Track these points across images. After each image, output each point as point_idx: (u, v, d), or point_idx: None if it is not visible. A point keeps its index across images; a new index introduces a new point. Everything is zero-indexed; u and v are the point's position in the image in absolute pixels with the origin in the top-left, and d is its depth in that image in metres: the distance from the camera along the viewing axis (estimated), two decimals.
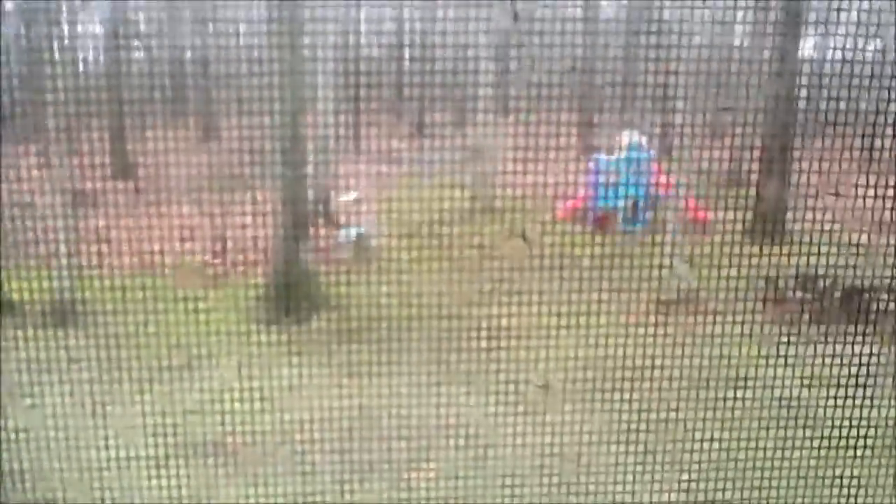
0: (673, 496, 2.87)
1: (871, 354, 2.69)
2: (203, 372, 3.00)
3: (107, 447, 2.76)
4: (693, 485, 2.77)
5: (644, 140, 7.07)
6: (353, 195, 7.23)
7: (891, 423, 2.76)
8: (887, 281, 3.00)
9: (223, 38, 2.70)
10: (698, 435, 2.79)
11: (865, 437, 2.68)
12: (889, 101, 2.70)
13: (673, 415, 2.82)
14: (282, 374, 2.88)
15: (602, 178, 7.19)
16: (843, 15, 2.58)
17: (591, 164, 7.37)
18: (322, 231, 7.52)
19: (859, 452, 2.68)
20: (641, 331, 2.89)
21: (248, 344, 3.00)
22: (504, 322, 2.91)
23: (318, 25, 2.52)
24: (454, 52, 2.68)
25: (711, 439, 2.77)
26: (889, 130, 2.63)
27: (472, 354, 2.88)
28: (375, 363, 2.88)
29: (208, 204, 3.41)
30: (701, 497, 2.79)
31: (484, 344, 2.89)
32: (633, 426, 2.81)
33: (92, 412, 2.77)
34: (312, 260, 6.17)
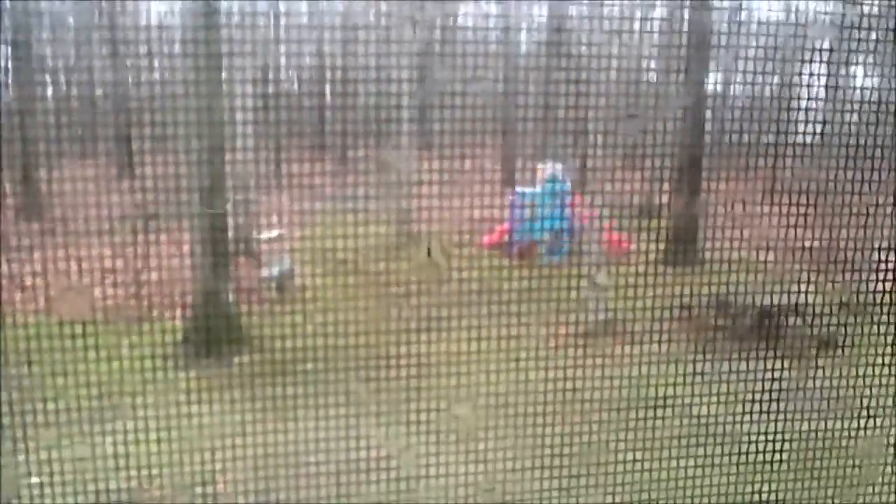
0: None
1: (781, 370, 2.80)
2: (118, 419, 2.87)
3: (18, 499, 2.61)
4: None
5: (563, 172, 7.24)
6: (275, 232, 7.13)
7: (804, 435, 2.88)
8: (794, 301, 3.15)
9: (137, 72, 2.65)
10: (621, 457, 2.84)
11: (780, 451, 2.78)
12: (792, 132, 2.86)
13: (595, 438, 2.86)
14: (202, 418, 2.78)
15: (523, 210, 7.33)
16: (749, 51, 2.73)
17: (513, 197, 7.50)
18: (244, 269, 7.38)
19: (775, 466, 2.77)
20: (563, 357, 2.93)
21: (166, 388, 2.90)
22: (429, 354, 2.91)
23: (236, 60, 2.50)
24: (375, 86, 2.70)
25: (634, 460, 2.82)
26: (791, 160, 2.78)
27: (397, 388, 2.86)
28: (299, 401, 2.83)
29: (123, 244, 3.30)
30: None
31: (408, 376, 2.88)
32: (556, 451, 2.84)
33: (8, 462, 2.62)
34: (233, 299, 6.03)
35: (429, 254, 3.39)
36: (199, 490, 2.85)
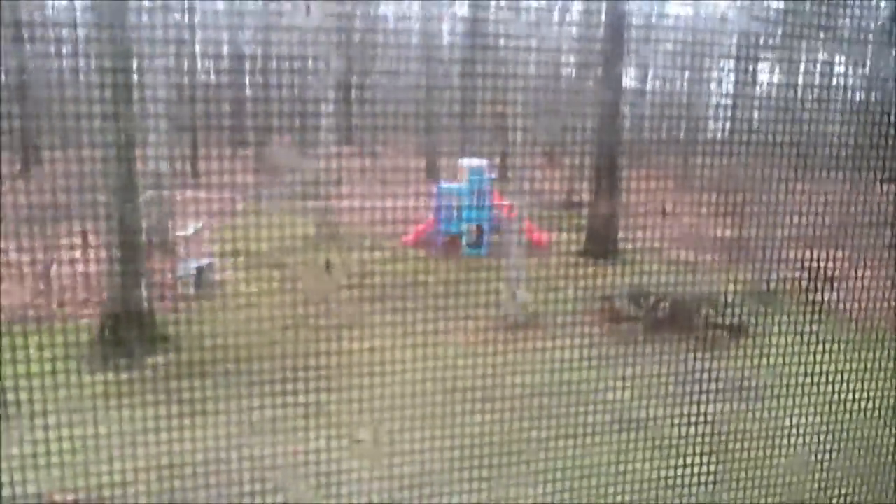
0: None
1: (695, 361, 2.90)
2: (25, 424, 2.74)
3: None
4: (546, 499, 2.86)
5: (484, 166, 7.31)
6: (192, 228, 6.94)
7: (717, 419, 2.98)
8: (709, 294, 3.27)
9: (42, 60, 2.52)
10: (545, 448, 2.89)
11: (695, 435, 2.88)
12: (702, 129, 2.96)
13: (520, 434, 2.90)
14: (115, 420, 2.69)
15: (445, 204, 7.36)
16: (663, 46, 2.81)
17: (435, 191, 7.53)
18: (159, 266, 7.16)
19: (688, 450, 2.87)
20: (484, 352, 2.96)
21: (77, 390, 2.78)
22: (350, 350, 2.89)
23: (148, 48, 2.42)
24: (294, 77, 2.65)
25: (555, 448, 2.87)
26: (707, 153, 2.87)
27: (318, 385, 2.83)
28: (217, 401, 2.76)
29: (30, 241, 3.15)
30: None
31: (328, 373, 2.85)
32: (480, 447, 2.86)
33: None
34: (147, 297, 5.84)
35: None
36: (108, 494, 2.75)
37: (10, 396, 2.64)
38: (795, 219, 2.96)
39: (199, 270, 6.88)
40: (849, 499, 2.99)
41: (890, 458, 2.97)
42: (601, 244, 6.37)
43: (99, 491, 2.66)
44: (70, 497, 2.87)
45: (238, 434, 2.67)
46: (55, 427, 2.62)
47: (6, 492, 2.61)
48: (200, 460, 2.70)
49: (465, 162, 7.51)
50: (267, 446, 2.70)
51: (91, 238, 3.39)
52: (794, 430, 2.99)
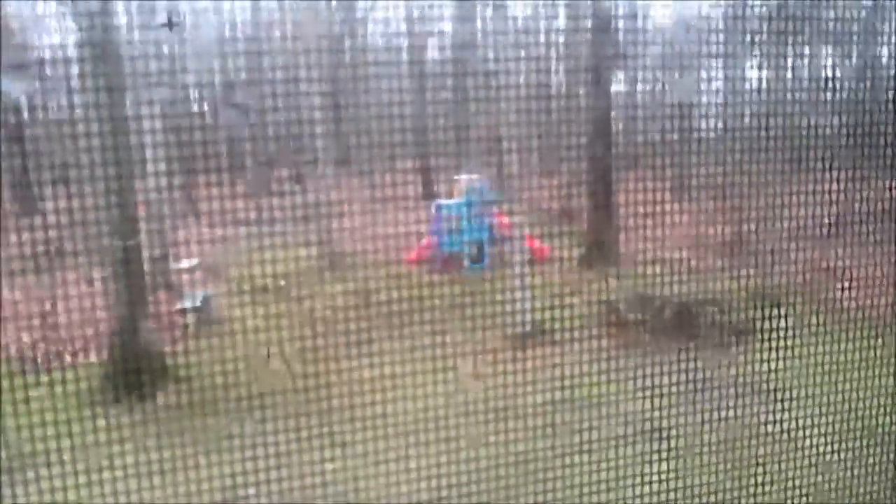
0: None
1: (702, 362, 2.89)
2: (40, 469, 2.73)
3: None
4: None
5: (482, 182, 7.32)
6: (192, 261, 6.94)
7: (731, 422, 2.97)
8: (713, 297, 3.26)
9: (38, 100, 2.54)
10: (562, 461, 2.87)
11: (710, 441, 2.87)
12: (695, 129, 2.96)
13: (537, 444, 2.88)
14: (129, 457, 2.68)
15: (445, 223, 7.36)
16: (651, 48, 2.82)
17: (434, 210, 7.53)
18: (162, 301, 7.15)
19: (706, 459, 2.85)
20: (494, 367, 2.95)
21: (89, 430, 2.77)
22: (361, 375, 2.88)
23: (140, 81, 2.43)
24: (287, 104, 2.66)
25: (570, 460, 2.86)
26: (698, 158, 2.88)
27: (331, 413, 2.82)
28: (229, 434, 2.75)
29: (34, 284, 3.15)
30: None
31: (342, 401, 2.84)
32: (499, 460, 2.85)
33: None
34: (153, 332, 5.83)
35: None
36: None
37: (25, 444, 2.63)
38: (796, 216, 2.97)
39: (203, 303, 6.87)
40: (864, 498, 2.97)
41: None
42: (601, 252, 6.37)
43: None
44: None
45: (254, 465, 2.66)
46: (71, 473, 2.60)
47: None
48: (219, 496, 2.69)
49: (462, 179, 7.52)
50: (284, 478, 2.68)
51: (94, 276, 3.40)
52: (805, 431, 2.97)
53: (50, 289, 3.20)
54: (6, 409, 2.53)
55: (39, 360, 4.92)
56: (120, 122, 2.69)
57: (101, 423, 2.71)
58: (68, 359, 5.23)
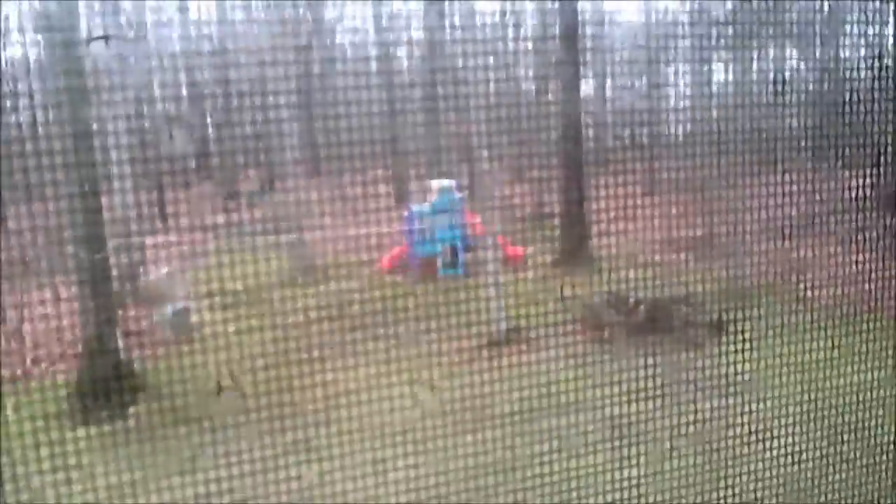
0: None
1: (679, 359, 2.92)
2: (9, 488, 2.67)
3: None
4: None
5: (453, 185, 7.33)
6: (163, 271, 6.86)
7: (708, 419, 3.00)
8: (685, 294, 3.29)
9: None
10: (537, 468, 2.88)
11: (686, 436, 2.89)
12: (664, 130, 2.99)
13: (512, 452, 2.89)
14: (103, 473, 2.63)
15: (418, 228, 7.36)
16: (618, 52, 2.85)
17: (406, 214, 7.53)
18: (133, 313, 7.06)
19: (688, 459, 2.87)
20: (471, 371, 2.95)
21: (60, 447, 2.72)
22: (337, 381, 2.86)
23: (106, 94, 2.39)
24: (255, 112, 2.65)
25: (550, 470, 2.86)
26: (671, 154, 2.91)
27: (307, 420, 2.80)
28: (205, 444, 2.72)
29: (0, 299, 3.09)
30: None
31: (318, 407, 2.82)
32: (476, 467, 2.85)
33: None
34: (123, 345, 5.75)
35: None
36: None
37: None
38: (764, 212, 3.00)
39: (175, 314, 6.80)
40: (845, 494, 3.01)
41: (880, 450, 3.00)
42: (574, 253, 6.41)
43: None
44: None
45: (227, 476, 2.63)
46: (44, 486, 2.56)
47: None
48: (212, 498, 2.65)
49: (434, 183, 7.52)
50: (258, 486, 2.66)
51: (62, 290, 3.34)
52: (781, 425, 3.01)
53: (17, 303, 3.14)
54: None
55: (10, 375, 4.82)
56: (84, 133, 2.65)
57: (71, 436, 2.66)
58: (37, 373, 5.14)
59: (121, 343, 5.79)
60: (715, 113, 3.06)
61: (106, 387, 5.13)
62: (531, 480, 2.88)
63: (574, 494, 2.85)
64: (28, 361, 5.16)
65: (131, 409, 3.96)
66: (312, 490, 2.74)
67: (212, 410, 2.90)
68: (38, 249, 3.02)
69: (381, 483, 2.80)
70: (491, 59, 2.66)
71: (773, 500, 2.97)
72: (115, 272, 6.17)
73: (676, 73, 3.09)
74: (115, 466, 2.67)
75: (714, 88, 3.08)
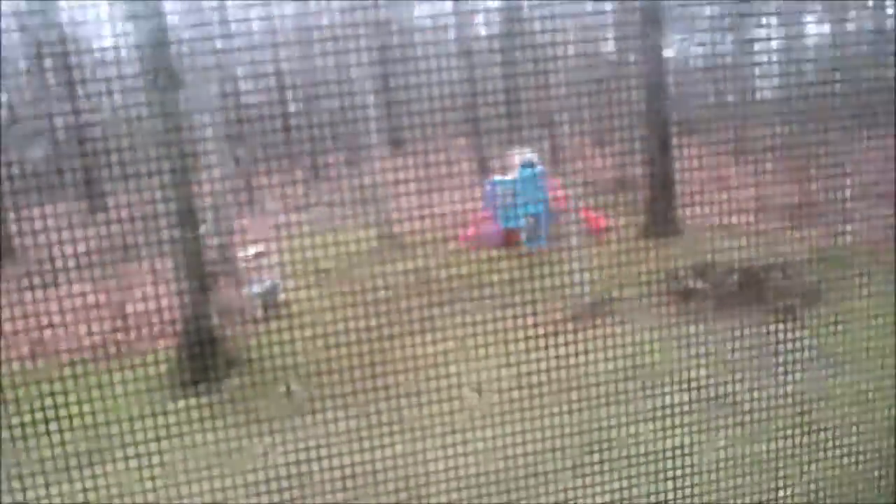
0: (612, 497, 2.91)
1: (770, 332, 2.82)
2: (117, 452, 2.84)
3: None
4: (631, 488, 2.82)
5: (535, 157, 7.26)
6: (253, 249, 7.08)
7: (799, 397, 2.89)
8: (778, 263, 3.17)
9: (95, 101, 2.60)
10: (627, 432, 2.85)
11: (784, 414, 2.80)
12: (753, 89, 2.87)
13: (604, 419, 2.86)
14: (202, 440, 2.76)
15: (500, 200, 7.33)
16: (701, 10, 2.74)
17: (488, 187, 7.51)
18: (226, 289, 7.32)
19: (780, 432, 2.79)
20: (559, 341, 2.93)
21: (162, 415, 2.87)
22: (424, 353, 2.90)
23: (195, 76, 2.47)
24: (336, 88, 2.68)
25: (638, 435, 2.83)
26: (760, 116, 2.79)
27: (397, 390, 2.85)
28: (297, 415, 2.81)
29: (103, 279, 3.26)
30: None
31: (406, 378, 2.87)
32: (566, 434, 2.84)
33: None
34: (219, 320, 5.99)
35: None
36: None
37: (105, 429, 2.74)
38: (864, 176, 2.85)
39: (266, 290, 7.01)
40: None
41: None
42: (661, 222, 6.25)
43: None
44: None
45: (320, 446, 2.71)
46: (151, 453, 2.70)
47: None
48: (285, 474, 2.75)
49: (516, 155, 7.46)
50: (350, 457, 2.73)
51: (159, 269, 3.50)
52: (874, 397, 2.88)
53: (120, 282, 3.31)
54: (85, 396, 2.63)
55: (115, 352, 5.10)
56: (178, 116, 2.75)
57: (172, 406, 2.79)
58: (140, 348, 5.41)
59: (215, 320, 6.03)
60: (808, 70, 2.90)
61: (203, 362, 5.37)
62: (613, 444, 2.86)
63: (656, 459, 2.81)
64: (132, 337, 5.43)
65: (227, 383, 4.14)
66: (397, 462, 2.79)
67: (326, 361, 2.98)
68: (139, 229, 3.16)
69: (469, 445, 2.83)
70: (570, 23, 2.60)
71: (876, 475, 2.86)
72: (207, 251, 6.41)
73: (766, 28, 2.94)
74: (213, 430, 2.79)
75: (808, 42, 2.93)
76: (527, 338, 2.87)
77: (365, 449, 2.77)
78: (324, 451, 2.73)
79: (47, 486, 2.60)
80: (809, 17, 2.87)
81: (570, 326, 3.44)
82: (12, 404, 2.53)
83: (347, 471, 2.73)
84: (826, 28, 2.99)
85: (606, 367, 2.88)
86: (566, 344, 2.90)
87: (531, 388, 2.85)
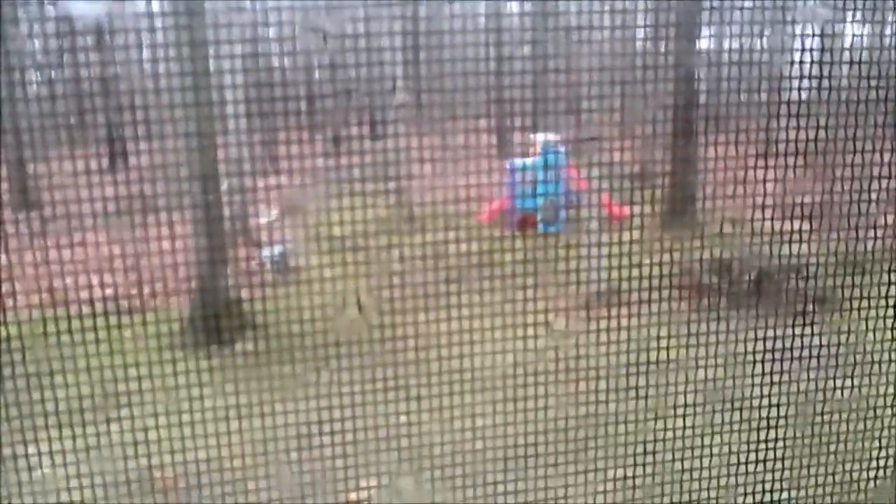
0: (610, 487, 2.92)
1: (784, 335, 2.80)
2: (125, 408, 2.88)
3: (32, 496, 2.62)
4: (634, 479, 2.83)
5: (557, 140, 7.21)
6: (271, 214, 7.11)
7: (811, 398, 2.88)
8: (795, 265, 3.13)
9: (123, 58, 2.61)
10: (631, 427, 2.85)
11: (785, 415, 2.79)
12: (785, 89, 2.82)
13: (604, 408, 2.87)
14: (210, 401, 2.79)
15: (519, 181, 7.30)
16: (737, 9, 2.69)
17: (508, 167, 7.48)
18: (242, 252, 7.38)
19: (781, 433, 2.78)
20: (568, 328, 2.93)
21: (172, 373, 2.90)
22: (433, 329, 2.91)
23: (222, 35, 2.46)
24: (364, 58, 2.66)
25: (643, 427, 2.83)
26: (786, 119, 2.75)
27: (405, 364, 2.87)
28: (306, 381, 2.83)
29: (120, 233, 3.29)
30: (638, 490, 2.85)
31: (414, 353, 2.88)
32: (568, 422, 2.85)
33: (8, 460, 2.62)
34: (234, 282, 6.03)
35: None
36: (206, 473, 2.87)
37: (112, 383, 2.79)
38: (886, 181, 2.81)
39: (281, 255, 7.06)
40: None
41: None
42: (680, 216, 6.21)
43: (204, 466, 2.78)
44: (171, 474, 3.00)
45: (328, 412, 2.74)
46: (156, 408, 2.74)
47: (108, 475, 2.76)
48: (294, 443, 2.78)
49: (538, 137, 7.42)
50: (356, 422, 2.75)
51: (177, 227, 3.52)
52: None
53: (136, 238, 3.33)
54: (93, 350, 2.66)
55: (128, 307, 5.15)
56: (203, 77, 2.75)
57: (182, 366, 2.82)
58: (153, 304, 5.47)
59: (230, 281, 6.07)
60: (843, 71, 2.85)
61: (216, 322, 5.42)
62: (619, 440, 2.87)
63: (662, 459, 2.82)
64: (145, 293, 5.48)
65: (238, 345, 4.18)
66: (411, 432, 2.82)
67: (337, 328, 3.01)
68: (157, 188, 3.18)
69: (475, 427, 2.85)
70: (605, 7, 2.57)
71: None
72: (226, 212, 6.45)
73: (802, 27, 2.89)
74: (223, 393, 2.82)
75: (841, 45, 2.87)
76: (537, 322, 2.87)
77: (366, 420, 2.80)
78: (323, 420, 2.75)
79: (52, 437, 2.65)
80: (848, 17, 2.81)
81: (581, 314, 3.44)
82: (23, 351, 2.57)
83: (344, 441, 2.76)
84: (866, 29, 2.92)
85: (613, 356, 2.88)
86: (576, 330, 2.90)
87: (536, 369, 2.86)
